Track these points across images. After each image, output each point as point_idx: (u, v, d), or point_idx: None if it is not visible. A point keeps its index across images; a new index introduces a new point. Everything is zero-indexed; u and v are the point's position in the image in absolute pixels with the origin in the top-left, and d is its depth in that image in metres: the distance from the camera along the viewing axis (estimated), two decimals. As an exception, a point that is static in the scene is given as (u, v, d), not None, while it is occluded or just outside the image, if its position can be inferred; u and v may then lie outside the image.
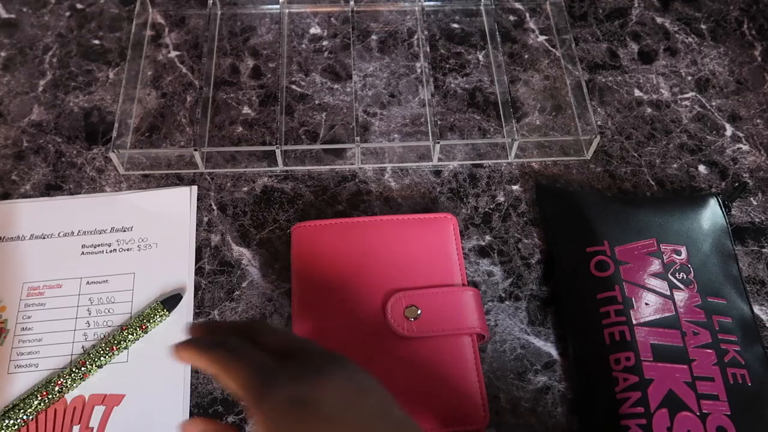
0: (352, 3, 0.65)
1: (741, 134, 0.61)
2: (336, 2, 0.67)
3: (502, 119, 0.61)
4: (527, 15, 0.68)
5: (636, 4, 0.69)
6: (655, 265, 0.50)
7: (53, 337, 0.49)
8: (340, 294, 0.48)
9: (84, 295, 0.51)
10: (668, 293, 0.49)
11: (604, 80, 0.64)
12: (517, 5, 0.68)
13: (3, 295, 0.51)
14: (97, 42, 0.64)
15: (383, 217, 0.52)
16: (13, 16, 0.66)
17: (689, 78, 0.64)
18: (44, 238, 0.53)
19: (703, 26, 0.68)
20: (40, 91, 0.61)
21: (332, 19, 0.67)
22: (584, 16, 0.68)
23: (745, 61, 0.66)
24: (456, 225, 0.52)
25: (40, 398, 0.46)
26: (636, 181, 0.58)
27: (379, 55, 0.64)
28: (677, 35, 0.67)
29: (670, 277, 0.50)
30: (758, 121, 0.62)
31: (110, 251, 0.53)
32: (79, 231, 0.54)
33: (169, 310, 0.50)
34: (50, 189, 0.56)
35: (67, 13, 0.66)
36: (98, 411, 0.47)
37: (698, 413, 0.45)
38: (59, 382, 0.46)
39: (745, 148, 0.60)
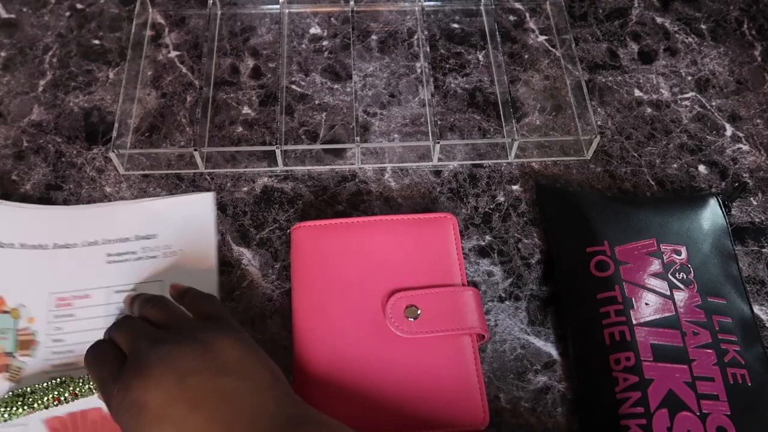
0: (352, 3, 0.65)
1: (741, 134, 0.61)
2: (336, 2, 0.67)
3: (502, 119, 0.61)
4: (527, 15, 0.68)
5: (636, 4, 0.69)
6: (655, 265, 0.50)
7: (85, 348, 0.46)
8: (340, 294, 0.48)
9: (113, 305, 0.50)
10: (668, 293, 0.49)
11: (604, 80, 0.64)
12: (517, 5, 0.68)
13: (30, 306, 0.50)
14: (97, 42, 0.64)
15: (383, 217, 0.52)
16: (13, 16, 0.66)
17: (689, 78, 0.64)
18: (68, 247, 0.52)
19: (703, 26, 0.68)
20: (40, 91, 0.61)
21: (332, 19, 0.67)
22: (584, 16, 0.68)
23: (745, 61, 0.66)
24: (456, 225, 0.52)
25: (53, 398, 0.45)
26: (636, 181, 0.58)
27: (379, 55, 0.64)
28: (677, 35, 0.67)
29: (670, 277, 0.50)
30: (758, 121, 0.62)
31: (136, 259, 0.52)
32: (102, 239, 0.53)
33: None
34: (50, 189, 0.56)
35: (67, 13, 0.66)
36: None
37: (698, 413, 0.45)
38: (73, 392, 0.45)
39: (745, 148, 0.60)
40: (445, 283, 0.49)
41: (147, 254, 0.52)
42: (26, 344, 0.48)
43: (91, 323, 0.49)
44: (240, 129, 0.59)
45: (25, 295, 0.50)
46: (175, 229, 0.53)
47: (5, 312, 0.49)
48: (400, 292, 0.48)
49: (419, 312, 0.47)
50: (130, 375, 0.39)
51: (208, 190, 0.56)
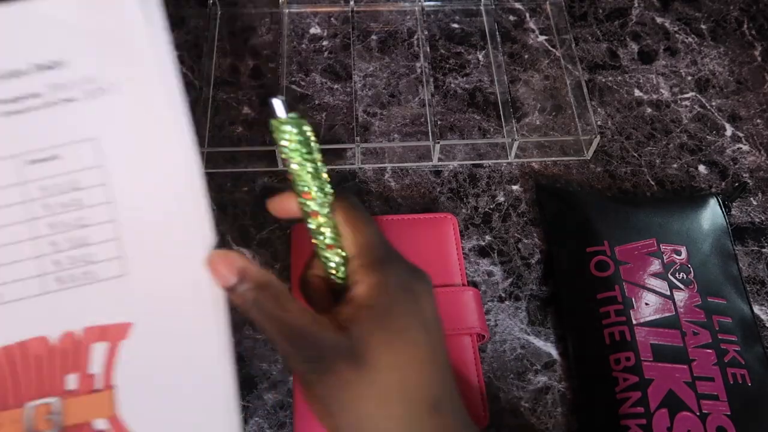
0: (352, 3, 0.65)
1: (741, 134, 0.61)
2: (336, 2, 0.67)
3: (502, 119, 0.61)
4: (527, 15, 0.68)
5: (636, 4, 0.69)
6: (655, 265, 0.50)
7: (6, 253, 0.32)
8: None
9: (31, 183, 0.32)
10: (668, 293, 0.49)
11: (604, 80, 0.64)
12: (517, 5, 0.68)
13: None
14: (97, 42, 0.64)
15: (383, 217, 0.52)
16: (13, 16, 0.66)
17: (689, 78, 0.64)
18: None
19: (703, 26, 0.68)
20: (40, 91, 0.61)
21: (332, 19, 0.67)
22: (584, 16, 0.68)
23: (745, 61, 0.66)
24: (456, 225, 0.52)
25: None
26: (636, 181, 0.58)
27: (379, 55, 0.64)
28: (677, 35, 0.67)
29: (670, 277, 0.50)
30: (758, 121, 0.62)
31: (44, 105, 0.32)
32: None
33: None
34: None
35: (67, 13, 0.66)
36: (99, 350, 0.32)
37: (698, 413, 0.45)
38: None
39: (745, 148, 0.60)
40: (445, 283, 0.49)
41: (59, 96, 0.32)
42: None
43: (3, 215, 0.32)
44: (240, 129, 0.59)
45: None
46: (96, 49, 0.33)
47: None
48: None
49: None
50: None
51: (207, 190, 0.56)
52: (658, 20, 0.68)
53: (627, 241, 0.51)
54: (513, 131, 0.58)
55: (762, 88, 0.64)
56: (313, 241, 0.35)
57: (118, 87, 0.33)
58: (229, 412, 0.33)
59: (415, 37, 0.66)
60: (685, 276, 0.50)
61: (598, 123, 0.61)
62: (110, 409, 0.32)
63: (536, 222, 0.56)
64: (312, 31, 0.66)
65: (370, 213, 0.55)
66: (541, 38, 0.66)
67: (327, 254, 0.35)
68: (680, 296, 0.49)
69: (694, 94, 0.63)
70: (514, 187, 0.57)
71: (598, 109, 0.62)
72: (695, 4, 0.70)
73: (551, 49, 0.66)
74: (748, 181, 0.58)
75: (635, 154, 0.60)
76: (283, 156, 0.35)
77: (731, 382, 0.46)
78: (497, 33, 0.64)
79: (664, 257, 0.51)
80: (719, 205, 0.54)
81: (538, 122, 0.61)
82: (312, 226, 0.35)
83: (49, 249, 0.32)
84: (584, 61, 0.65)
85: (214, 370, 0.33)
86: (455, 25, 0.67)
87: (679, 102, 0.63)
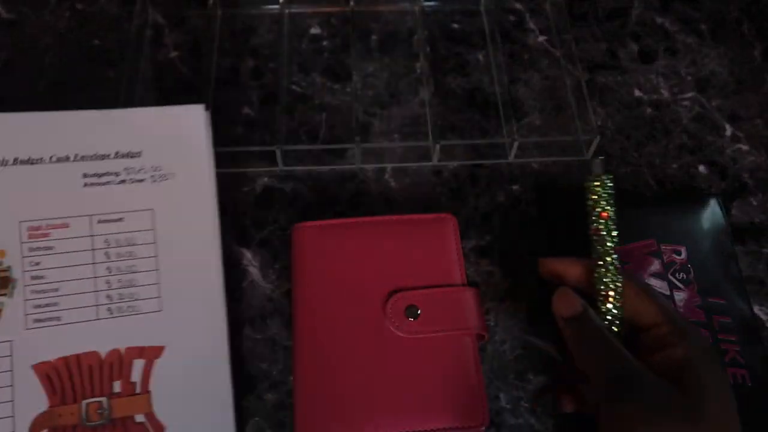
0: (352, 3, 0.65)
1: (741, 134, 0.61)
2: (336, 2, 0.67)
3: (502, 119, 0.61)
4: (527, 15, 0.68)
5: (636, 4, 0.69)
6: (655, 265, 0.50)
7: (71, 286, 0.43)
8: (340, 294, 0.48)
9: (98, 237, 0.44)
10: (668, 293, 0.49)
11: (604, 80, 0.64)
12: (517, 5, 0.68)
13: None
14: (97, 42, 0.64)
15: (383, 217, 0.52)
16: (13, 16, 0.66)
17: (689, 78, 0.64)
18: (33, 163, 0.44)
19: (703, 26, 0.68)
20: (41, 91, 0.61)
21: (332, 19, 0.67)
22: (584, 16, 0.68)
23: (745, 61, 0.66)
24: (456, 225, 0.52)
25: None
26: (636, 181, 0.58)
27: (379, 55, 0.64)
28: (677, 35, 0.67)
29: (670, 277, 0.50)
30: (758, 121, 0.62)
31: (119, 182, 0.45)
32: (76, 156, 0.45)
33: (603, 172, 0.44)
34: (50, 189, 0.56)
35: (67, 13, 0.66)
36: (138, 365, 0.43)
37: (698, 413, 0.45)
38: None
39: (745, 148, 0.60)
40: (445, 283, 0.49)
41: (132, 177, 0.45)
42: (2, 283, 0.43)
43: (74, 257, 0.44)
44: (240, 129, 0.59)
45: None
46: (164, 147, 0.46)
47: None
48: (400, 292, 0.48)
49: (419, 312, 0.47)
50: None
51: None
52: (658, 20, 0.68)
53: (627, 241, 0.51)
54: (513, 131, 0.58)
55: (762, 88, 0.64)
56: (604, 293, 0.42)
57: (174, 174, 0.46)
58: (226, 408, 0.44)
59: (415, 37, 0.66)
60: (685, 276, 0.50)
61: (598, 123, 0.61)
62: (147, 407, 0.43)
63: (536, 222, 0.56)
64: (312, 31, 0.66)
65: (371, 213, 0.55)
66: (541, 38, 0.66)
67: (613, 307, 0.42)
68: (680, 296, 0.49)
69: (694, 94, 0.64)
70: (514, 187, 0.58)
71: (598, 109, 0.62)
72: (695, 4, 0.70)
73: (551, 49, 0.66)
74: (748, 181, 0.58)
75: (635, 154, 0.60)
76: (598, 208, 0.44)
77: (731, 382, 0.46)
78: (497, 33, 0.64)
79: (664, 257, 0.51)
80: (719, 205, 0.54)
81: (538, 122, 0.61)
82: (606, 280, 0.42)
83: (105, 286, 0.44)
84: (584, 61, 0.65)
85: (218, 381, 0.44)
86: (455, 25, 0.67)
87: (679, 102, 0.63)
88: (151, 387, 0.43)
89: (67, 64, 0.63)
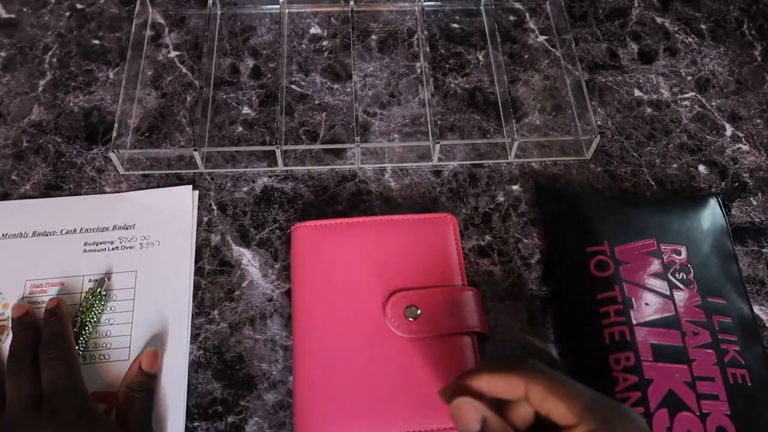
0: (352, 3, 0.65)
1: (741, 134, 0.61)
2: (336, 2, 0.67)
3: (502, 119, 0.61)
4: (527, 15, 0.68)
5: (636, 4, 0.69)
6: (655, 265, 0.50)
7: None
8: (340, 294, 0.48)
9: (86, 293, 0.50)
10: (668, 293, 0.49)
11: (604, 80, 0.64)
12: (517, 5, 0.68)
13: (6, 293, 0.51)
14: (97, 42, 0.64)
15: (383, 217, 0.52)
16: (13, 16, 0.66)
17: (689, 78, 0.64)
18: (47, 235, 0.53)
19: (703, 26, 0.68)
20: (40, 91, 0.61)
21: (332, 19, 0.67)
22: (584, 16, 0.68)
23: (745, 61, 0.66)
24: (456, 225, 0.52)
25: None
26: (636, 181, 0.58)
27: (379, 55, 0.64)
28: (677, 35, 0.67)
29: (670, 277, 0.50)
30: (758, 121, 0.62)
31: (113, 249, 0.53)
32: (81, 228, 0.54)
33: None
34: (50, 189, 0.56)
35: (67, 13, 0.66)
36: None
37: (698, 413, 0.45)
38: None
39: (745, 148, 0.60)
40: (445, 284, 0.49)
41: (124, 244, 0.53)
42: None
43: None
44: (240, 129, 0.59)
45: (2, 282, 0.51)
46: (154, 221, 0.54)
47: None
48: (399, 292, 0.48)
49: (419, 312, 0.47)
50: None
51: (207, 189, 0.56)
52: (658, 20, 0.68)
53: (627, 241, 0.51)
54: (513, 131, 0.58)
55: (762, 88, 0.64)
56: None
57: (159, 241, 0.53)
58: None
59: (415, 37, 0.66)
60: (685, 276, 0.50)
61: (598, 123, 0.61)
62: None
63: (536, 222, 0.56)
64: (312, 31, 0.66)
65: (371, 213, 0.55)
66: (541, 38, 0.66)
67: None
68: (680, 296, 0.49)
69: (694, 94, 0.63)
70: (514, 187, 0.57)
71: (598, 109, 0.62)
72: (695, 4, 0.70)
73: (551, 49, 0.65)
74: (748, 181, 0.58)
75: (635, 154, 0.60)
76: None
77: (731, 382, 0.46)
78: (497, 33, 0.64)
79: (664, 257, 0.51)
80: (719, 205, 0.54)
81: (538, 122, 0.61)
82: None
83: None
84: (584, 61, 0.65)
85: (173, 425, 0.47)
86: (455, 25, 0.67)
87: (679, 102, 0.63)
88: None
89: (67, 64, 0.63)
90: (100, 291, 0.50)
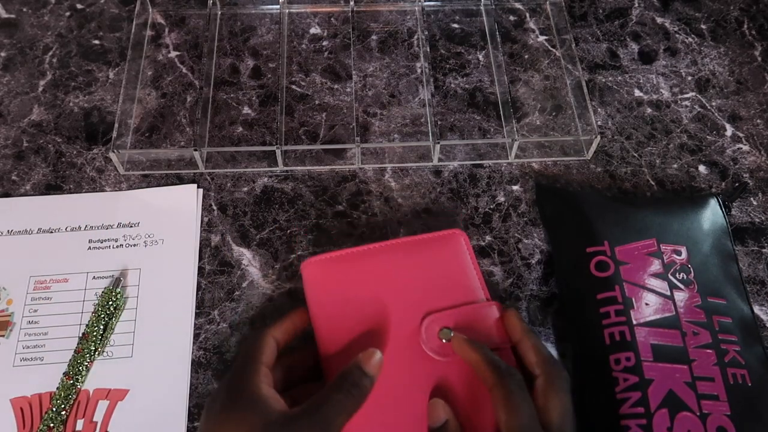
0: (352, 3, 0.65)
1: (741, 134, 0.61)
2: (336, 2, 0.67)
3: (502, 119, 0.61)
4: (527, 15, 0.68)
5: (636, 4, 0.69)
6: (655, 265, 0.50)
7: (59, 331, 0.49)
8: (368, 326, 0.45)
9: (90, 290, 0.51)
10: (668, 293, 0.49)
11: (604, 80, 0.64)
12: (517, 5, 0.68)
13: (10, 289, 0.51)
14: (97, 42, 0.64)
15: (393, 241, 0.49)
16: (13, 16, 0.66)
17: (689, 78, 0.64)
18: (51, 232, 0.54)
19: (703, 26, 0.68)
20: (40, 91, 0.61)
21: (332, 19, 0.67)
22: (584, 16, 0.68)
23: (745, 61, 0.66)
24: (467, 239, 0.49)
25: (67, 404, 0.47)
26: (636, 181, 0.58)
27: (379, 55, 0.64)
28: (677, 35, 0.67)
29: (670, 277, 0.50)
30: (758, 121, 0.62)
31: (117, 246, 0.53)
32: (86, 226, 0.54)
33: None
34: (50, 189, 0.56)
35: (67, 13, 0.66)
36: (102, 405, 0.47)
37: (698, 413, 0.45)
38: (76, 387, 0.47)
39: (745, 148, 0.60)
40: (470, 301, 0.46)
41: (128, 242, 0.53)
42: (2, 325, 0.49)
43: (66, 307, 0.50)
44: (240, 129, 0.59)
45: (7, 279, 0.51)
46: (158, 219, 0.54)
47: None
48: (431, 314, 0.45)
49: (452, 333, 0.44)
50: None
51: (207, 189, 0.56)
52: (658, 20, 0.68)
53: (627, 241, 0.51)
54: (513, 131, 0.58)
55: (762, 88, 0.64)
56: None
57: (164, 239, 0.54)
58: None
59: (415, 37, 0.66)
60: (685, 276, 0.50)
61: (598, 123, 0.61)
62: None
63: (536, 222, 0.56)
64: (312, 31, 0.66)
65: (371, 213, 0.55)
66: (541, 38, 0.66)
67: None
68: (680, 296, 0.49)
69: (694, 94, 0.64)
70: (514, 187, 0.57)
71: (598, 109, 0.62)
72: (695, 4, 0.70)
73: (551, 49, 0.66)
74: (748, 181, 0.58)
75: (635, 154, 0.60)
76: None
77: (731, 382, 0.46)
78: (497, 33, 0.64)
79: (664, 257, 0.51)
80: (719, 205, 0.54)
81: (538, 122, 0.61)
82: None
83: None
84: (584, 61, 0.65)
85: (174, 427, 0.47)
86: (455, 25, 0.67)
87: (679, 102, 0.63)
88: (110, 428, 0.46)
89: (67, 64, 0.63)
90: (119, 292, 0.50)
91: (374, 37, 0.66)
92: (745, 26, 0.68)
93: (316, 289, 0.46)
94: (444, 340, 0.44)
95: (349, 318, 0.45)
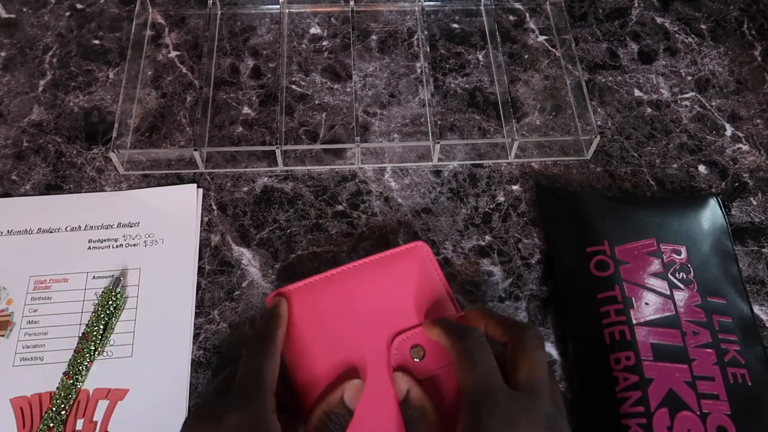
0: (352, 3, 0.65)
1: (741, 134, 0.61)
2: (336, 2, 0.67)
3: (502, 119, 0.61)
4: (527, 15, 0.68)
5: (636, 4, 0.69)
6: (655, 265, 0.50)
7: (58, 331, 0.49)
8: (338, 351, 0.43)
9: (90, 290, 0.51)
10: (668, 293, 0.49)
11: (604, 80, 0.64)
12: (517, 5, 0.68)
13: (10, 289, 0.51)
14: (97, 42, 0.64)
15: (357, 262, 0.47)
16: (13, 16, 0.66)
17: (689, 78, 0.64)
18: (51, 232, 0.54)
19: (703, 26, 0.68)
20: (40, 91, 0.61)
21: (332, 19, 0.67)
22: (584, 16, 0.68)
23: (745, 61, 0.66)
24: (429, 251, 0.48)
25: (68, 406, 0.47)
26: (636, 181, 0.58)
27: (379, 55, 0.64)
28: (677, 35, 0.67)
29: (670, 276, 0.50)
30: (758, 121, 0.62)
31: (117, 246, 0.53)
32: (86, 226, 0.54)
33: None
34: (50, 189, 0.56)
35: (67, 13, 0.66)
36: (102, 405, 0.47)
37: (698, 413, 0.45)
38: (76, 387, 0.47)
39: (745, 148, 0.60)
40: (437, 315, 0.45)
41: (128, 242, 0.53)
42: (2, 325, 0.50)
43: (66, 307, 0.50)
44: (240, 129, 0.59)
45: (7, 278, 0.51)
46: (158, 219, 0.54)
47: None
48: (400, 334, 0.44)
49: (424, 351, 0.43)
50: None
51: (207, 189, 0.56)
52: (658, 20, 0.68)
53: (627, 241, 0.51)
54: (513, 131, 0.58)
55: (762, 88, 0.64)
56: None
57: (163, 240, 0.54)
58: None
59: (415, 37, 0.66)
60: (685, 276, 0.50)
61: (598, 123, 0.61)
62: None
63: (536, 222, 0.56)
64: (312, 31, 0.66)
65: (371, 213, 0.55)
66: (541, 38, 0.66)
67: None
68: (680, 296, 0.49)
69: (694, 94, 0.64)
70: (514, 187, 0.57)
71: (598, 109, 0.62)
72: (695, 4, 0.70)
73: (551, 49, 0.66)
74: (748, 181, 0.58)
75: (635, 154, 0.60)
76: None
77: (731, 382, 0.46)
78: (497, 33, 0.64)
79: (664, 257, 0.51)
80: (719, 205, 0.54)
81: (538, 122, 0.61)
82: None
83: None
84: (584, 61, 0.65)
85: (174, 426, 0.43)
86: (455, 25, 0.67)
87: (679, 102, 0.63)
88: (110, 427, 0.46)
89: (67, 64, 0.63)
90: (119, 291, 0.50)
91: (374, 37, 0.66)
92: (745, 26, 0.68)
93: (294, 314, 0.45)
94: (416, 359, 0.43)
95: (321, 344, 0.44)
